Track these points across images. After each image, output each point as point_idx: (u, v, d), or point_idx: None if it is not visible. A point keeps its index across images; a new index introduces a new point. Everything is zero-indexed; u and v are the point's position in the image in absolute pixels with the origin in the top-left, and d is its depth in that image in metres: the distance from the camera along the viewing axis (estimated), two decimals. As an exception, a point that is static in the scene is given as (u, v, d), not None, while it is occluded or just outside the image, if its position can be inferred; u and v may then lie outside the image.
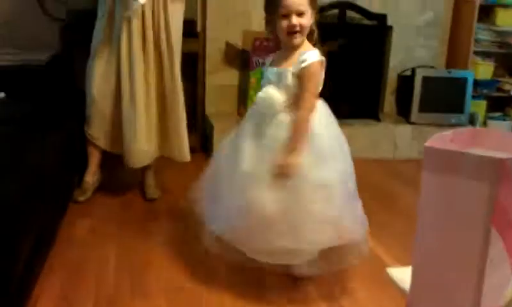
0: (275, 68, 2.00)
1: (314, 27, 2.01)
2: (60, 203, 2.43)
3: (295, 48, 1.98)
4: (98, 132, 2.70)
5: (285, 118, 1.93)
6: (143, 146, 2.66)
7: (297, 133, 1.88)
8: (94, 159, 2.80)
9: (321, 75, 1.99)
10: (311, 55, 1.93)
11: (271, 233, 1.85)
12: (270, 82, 1.99)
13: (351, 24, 3.85)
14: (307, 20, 1.94)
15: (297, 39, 1.95)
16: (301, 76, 1.92)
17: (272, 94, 1.93)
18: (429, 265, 1.19)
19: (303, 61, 1.92)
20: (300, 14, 1.92)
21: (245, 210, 1.87)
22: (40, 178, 1.95)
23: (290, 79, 1.93)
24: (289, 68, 1.95)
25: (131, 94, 2.59)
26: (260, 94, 1.97)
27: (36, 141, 2.21)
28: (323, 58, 1.98)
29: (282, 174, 1.84)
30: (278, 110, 1.93)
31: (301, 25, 1.93)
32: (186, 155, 2.78)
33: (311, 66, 1.92)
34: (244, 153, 1.94)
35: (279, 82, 1.96)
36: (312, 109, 1.93)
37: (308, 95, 1.92)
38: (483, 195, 1.06)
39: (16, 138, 2.20)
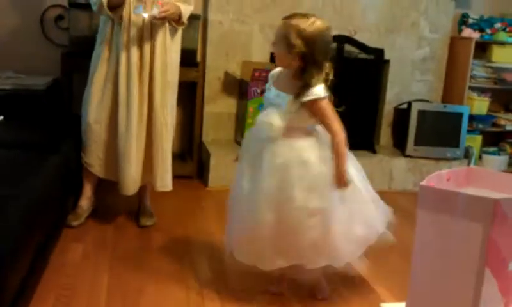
0: (277, 90, 2.06)
1: (328, 71, 2.08)
2: (54, 227, 2.42)
3: (295, 77, 2.02)
4: (93, 159, 2.71)
5: (282, 146, 1.99)
6: (135, 174, 2.67)
7: (340, 155, 2.02)
8: (89, 184, 2.81)
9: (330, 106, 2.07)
10: (318, 90, 2.00)
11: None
12: (271, 103, 2.04)
13: (348, 58, 3.90)
14: (277, 51, 2.03)
15: (278, 65, 2.07)
16: (315, 111, 2.01)
17: (272, 119, 1.97)
18: (423, 302, 1.19)
19: (309, 94, 1.98)
20: (274, 43, 2.06)
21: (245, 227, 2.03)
22: (34, 202, 1.95)
23: (290, 105, 1.98)
24: (290, 95, 2.00)
25: (127, 122, 2.61)
26: (261, 117, 2.02)
27: (32, 165, 2.21)
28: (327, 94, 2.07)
29: (341, 183, 2.00)
30: (276, 135, 1.98)
31: (276, 54, 2.06)
32: (168, 185, 2.79)
33: (320, 102, 2.01)
34: (243, 177, 2.05)
35: (279, 105, 2.00)
36: (340, 130, 2.06)
37: (331, 122, 2.04)
38: (477, 235, 1.07)
39: (12, 161, 2.21)
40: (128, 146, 2.62)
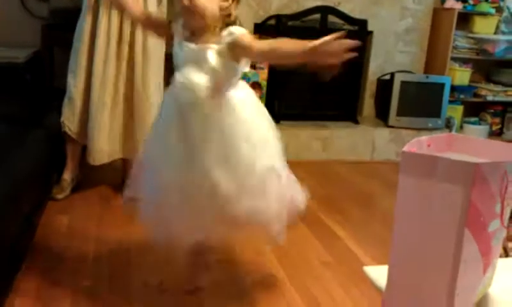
0: (193, 45, 1.69)
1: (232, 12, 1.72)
2: (39, 200, 2.41)
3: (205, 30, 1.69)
4: (69, 121, 2.68)
5: (211, 109, 1.69)
6: (103, 145, 2.67)
7: (284, 43, 1.69)
8: (72, 156, 2.79)
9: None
10: (238, 29, 1.69)
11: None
12: (187, 62, 1.70)
13: (332, 29, 3.89)
14: None
15: (196, 21, 1.67)
16: (237, 46, 1.67)
17: (195, 79, 1.66)
18: (404, 265, 1.22)
19: (230, 34, 1.67)
20: None
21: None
22: (18, 176, 1.94)
23: (215, 60, 1.66)
24: (212, 46, 1.67)
25: (100, 93, 2.60)
26: (179, 78, 1.70)
27: (13, 138, 2.20)
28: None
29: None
30: (202, 99, 1.66)
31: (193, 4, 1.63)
32: None
33: (245, 37, 1.68)
34: (171, 157, 1.75)
35: (199, 62, 1.68)
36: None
37: (258, 47, 1.70)
38: (458, 198, 1.09)
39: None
40: (98, 116, 2.61)
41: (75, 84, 2.63)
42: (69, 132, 2.71)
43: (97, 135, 2.64)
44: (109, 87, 2.60)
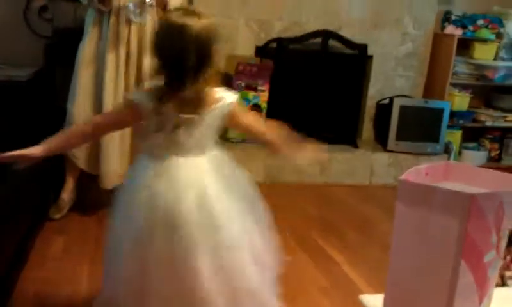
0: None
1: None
2: (35, 219, 2.41)
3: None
4: (79, 150, 2.69)
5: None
6: (116, 168, 2.67)
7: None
8: (71, 177, 2.80)
9: None
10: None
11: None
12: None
13: (333, 53, 3.93)
14: None
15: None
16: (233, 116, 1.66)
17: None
18: (401, 294, 1.22)
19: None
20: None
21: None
22: (15, 195, 1.94)
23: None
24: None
25: None
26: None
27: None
28: None
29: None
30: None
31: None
32: None
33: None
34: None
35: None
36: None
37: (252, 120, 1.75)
38: (454, 229, 1.09)
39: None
40: (110, 140, 2.62)
41: (78, 112, 2.64)
42: (74, 160, 2.71)
43: (110, 159, 2.65)
44: None
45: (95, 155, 2.69)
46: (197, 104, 1.56)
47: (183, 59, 1.47)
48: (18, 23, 3.49)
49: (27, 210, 2.10)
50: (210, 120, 1.59)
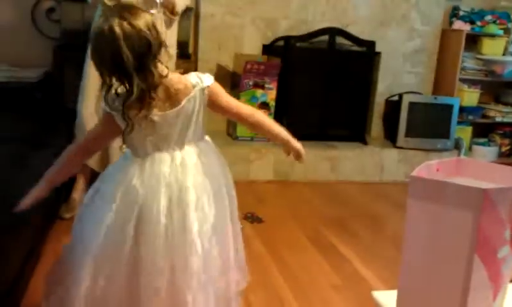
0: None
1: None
2: (46, 219, 2.42)
3: None
4: None
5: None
6: None
7: (273, 125, 1.70)
8: (83, 176, 2.81)
9: None
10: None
11: None
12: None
13: (340, 50, 3.92)
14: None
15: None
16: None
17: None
18: (414, 290, 1.21)
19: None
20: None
21: None
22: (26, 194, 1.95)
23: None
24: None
25: None
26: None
27: (23, 157, 2.22)
28: None
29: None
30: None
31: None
32: None
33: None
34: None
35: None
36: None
37: (234, 101, 1.68)
38: (467, 224, 1.09)
39: (3, 154, 2.20)
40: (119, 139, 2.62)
41: (90, 112, 2.61)
42: (89, 165, 2.68)
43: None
44: None
45: (106, 154, 2.69)
46: (170, 97, 1.51)
47: (121, 60, 1.40)
48: (26, 25, 3.52)
49: (38, 209, 2.11)
50: (189, 109, 1.55)
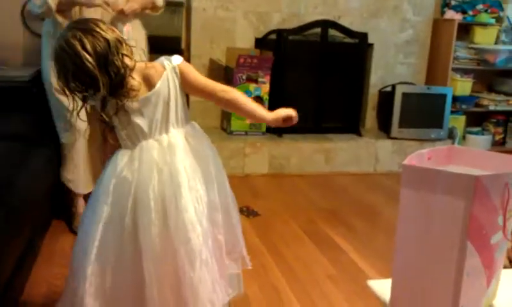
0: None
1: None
2: (44, 217, 2.42)
3: None
4: (75, 174, 2.62)
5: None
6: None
7: (249, 102, 1.76)
8: (79, 197, 2.69)
9: None
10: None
11: None
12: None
13: (333, 43, 3.92)
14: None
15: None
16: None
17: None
18: (408, 278, 1.22)
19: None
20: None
21: None
22: (23, 193, 1.95)
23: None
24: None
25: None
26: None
27: (19, 156, 2.21)
28: None
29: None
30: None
31: None
32: None
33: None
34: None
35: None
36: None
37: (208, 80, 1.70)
38: (459, 211, 1.09)
39: (3, 154, 2.20)
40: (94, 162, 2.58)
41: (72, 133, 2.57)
42: (76, 191, 2.64)
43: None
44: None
45: (90, 176, 2.62)
46: (145, 83, 1.56)
47: (82, 63, 1.44)
48: (16, 24, 3.49)
49: (34, 209, 2.11)
50: (165, 91, 1.58)
